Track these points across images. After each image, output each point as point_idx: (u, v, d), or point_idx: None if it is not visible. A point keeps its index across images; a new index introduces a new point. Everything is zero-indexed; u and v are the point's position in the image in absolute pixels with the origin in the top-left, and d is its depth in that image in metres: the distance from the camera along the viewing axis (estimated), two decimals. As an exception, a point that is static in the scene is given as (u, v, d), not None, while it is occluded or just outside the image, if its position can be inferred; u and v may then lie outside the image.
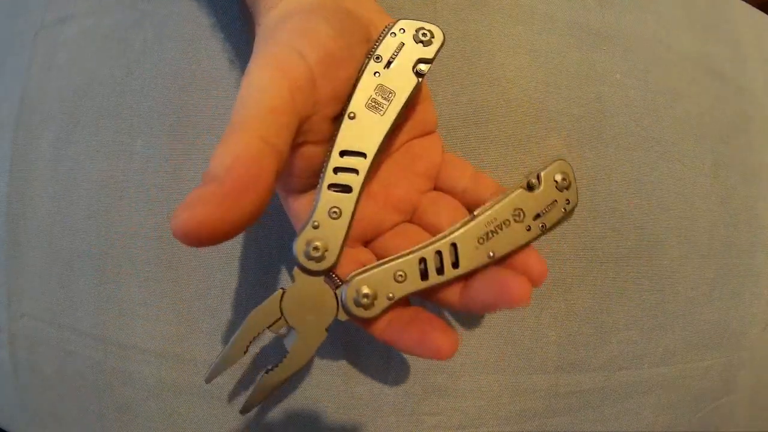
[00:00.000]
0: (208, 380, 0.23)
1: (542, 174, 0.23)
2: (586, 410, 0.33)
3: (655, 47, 0.35)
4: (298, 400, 0.31)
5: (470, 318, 0.31)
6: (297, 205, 0.24)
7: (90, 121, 0.33)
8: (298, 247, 0.22)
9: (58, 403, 0.34)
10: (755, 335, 0.37)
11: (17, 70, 0.36)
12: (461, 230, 0.23)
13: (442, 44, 0.23)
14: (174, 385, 0.31)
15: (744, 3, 0.41)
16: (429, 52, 0.23)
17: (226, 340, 0.31)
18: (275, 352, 0.31)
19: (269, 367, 0.23)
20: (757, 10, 0.42)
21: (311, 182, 0.23)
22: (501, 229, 0.23)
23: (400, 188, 0.25)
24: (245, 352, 0.23)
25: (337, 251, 0.22)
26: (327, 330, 0.23)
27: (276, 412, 0.31)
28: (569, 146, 0.32)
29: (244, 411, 0.23)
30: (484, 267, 0.23)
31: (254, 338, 0.23)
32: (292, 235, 0.23)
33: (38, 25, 0.36)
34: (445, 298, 0.24)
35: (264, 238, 0.30)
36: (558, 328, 0.32)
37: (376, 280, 0.22)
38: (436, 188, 0.27)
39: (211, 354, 0.31)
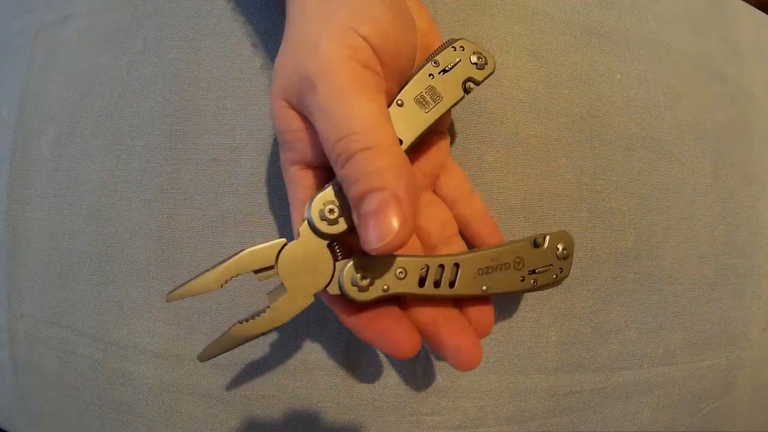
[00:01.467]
0: (170, 299, 0.22)
1: (548, 237, 0.25)
2: (586, 410, 0.33)
3: (655, 47, 0.35)
4: (298, 400, 0.31)
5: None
6: (300, 176, 0.23)
7: (90, 121, 0.33)
8: (315, 204, 0.22)
9: (58, 403, 0.34)
10: (755, 335, 0.37)
11: (17, 70, 0.36)
12: (467, 255, 0.24)
13: (492, 72, 0.25)
14: (174, 385, 0.31)
15: (744, 3, 0.41)
16: (479, 75, 0.25)
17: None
18: (276, 353, 0.31)
19: (243, 318, 0.22)
20: (757, 10, 0.42)
21: (325, 158, 0.23)
22: (500, 270, 0.25)
23: None
24: (222, 286, 0.22)
25: (350, 221, 0.22)
26: (314, 296, 0.23)
27: (276, 412, 0.31)
28: (569, 146, 0.32)
29: (203, 358, 0.23)
30: (475, 298, 0.25)
31: (235, 275, 0.22)
32: (292, 237, 0.23)
33: (38, 25, 0.36)
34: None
35: (262, 237, 0.30)
36: (558, 328, 0.32)
37: (379, 269, 0.23)
38: (434, 188, 0.27)
39: (211, 354, 0.31)
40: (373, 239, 0.20)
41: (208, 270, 0.22)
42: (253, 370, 0.31)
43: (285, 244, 0.22)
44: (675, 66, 0.35)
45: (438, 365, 0.31)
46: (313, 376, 0.31)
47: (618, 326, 0.33)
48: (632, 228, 0.33)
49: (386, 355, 0.31)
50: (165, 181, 0.31)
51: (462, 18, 0.31)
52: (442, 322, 0.24)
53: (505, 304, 0.31)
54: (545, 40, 0.32)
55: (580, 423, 0.33)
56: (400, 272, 0.23)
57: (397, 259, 0.23)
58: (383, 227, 0.20)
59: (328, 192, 0.22)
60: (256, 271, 0.22)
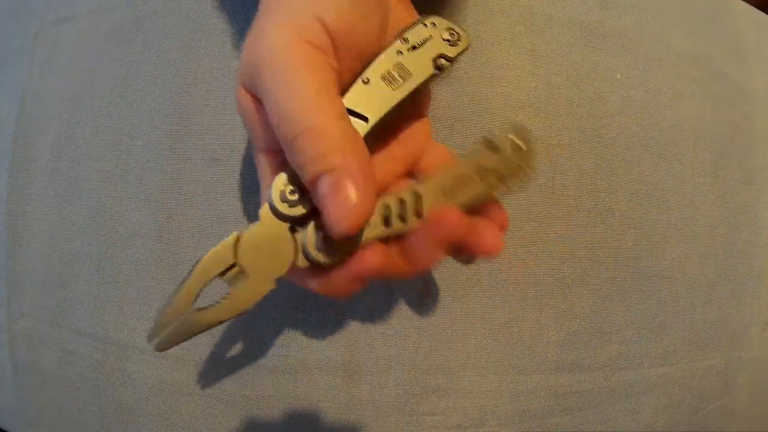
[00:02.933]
0: (150, 338, 0.21)
1: (500, 135, 0.24)
2: (586, 410, 0.33)
3: (655, 47, 0.35)
4: (298, 400, 0.31)
5: (470, 318, 0.31)
6: (265, 162, 0.23)
7: (90, 121, 0.33)
8: (275, 185, 0.21)
9: (58, 404, 0.34)
10: (755, 335, 0.37)
11: (17, 70, 0.36)
12: (424, 182, 0.23)
13: (466, 48, 0.25)
14: (174, 385, 0.31)
15: (744, 3, 0.41)
16: (452, 51, 0.24)
17: (225, 339, 0.31)
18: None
19: (202, 306, 0.21)
20: (757, 10, 0.42)
21: None
22: (464, 184, 0.23)
23: (376, 168, 0.24)
24: (193, 304, 0.21)
25: (310, 203, 0.21)
26: (276, 281, 0.21)
27: (276, 412, 0.31)
28: (570, 146, 0.32)
29: (160, 348, 0.22)
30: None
31: (204, 287, 0.21)
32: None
33: (38, 25, 0.36)
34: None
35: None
36: (558, 328, 0.32)
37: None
38: (414, 170, 0.26)
39: (211, 353, 0.31)
40: (335, 220, 0.19)
41: (173, 295, 0.21)
42: (253, 370, 0.31)
43: (240, 236, 0.22)
44: (675, 66, 0.35)
45: (438, 365, 0.31)
46: (313, 376, 0.31)
47: (618, 326, 0.33)
48: (632, 228, 0.33)
49: (385, 355, 0.31)
50: (165, 181, 0.31)
51: (462, 18, 0.31)
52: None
53: (506, 303, 0.31)
54: (545, 40, 0.32)
55: (580, 423, 0.33)
56: None
57: None
58: (341, 207, 0.19)
59: (290, 173, 0.21)
60: (222, 273, 0.21)
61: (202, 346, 0.31)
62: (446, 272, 0.31)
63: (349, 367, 0.31)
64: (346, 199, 0.19)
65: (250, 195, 0.30)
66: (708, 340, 0.35)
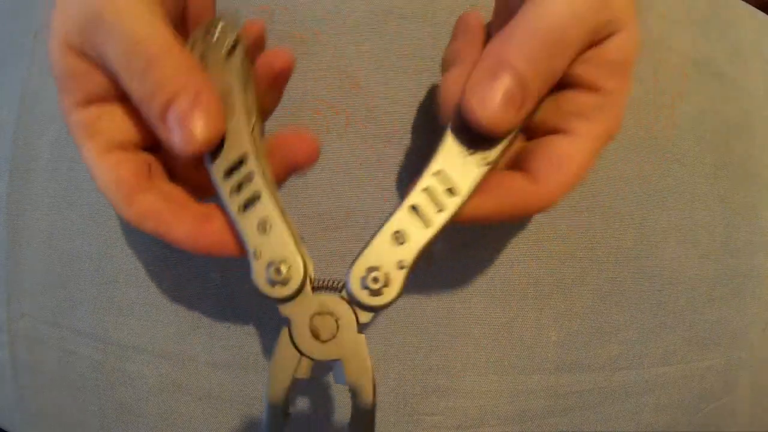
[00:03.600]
0: None
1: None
2: (586, 410, 0.33)
3: (655, 47, 0.35)
4: (298, 400, 0.31)
5: (470, 318, 0.31)
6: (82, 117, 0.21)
7: (90, 121, 0.33)
8: (259, 279, 0.19)
9: (58, 403, 0.34)
10: (755, 335, 0.37)
11: (17, 70, 0.36)
12: (440, 153, 0.19)
13: None
14: (174, 385, 0.31)
15: (744, 3, 0.41)
16: None
17: (226, 339, 0.31)
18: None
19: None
20: (757, 10, 0.42)
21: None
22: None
23: None
24: (287, 416, 0.19)
25: (298, 262, 0.19)
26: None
27: (276, 412, 0.31)
28: (569, 146, 0.32)
29: None
30: (487, 177, 0.19)
31: (288, 394, 0.19)
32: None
33: (38, 25, 0.36)
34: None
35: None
36: (558, 328, 0.32)
37: (377, 255, 0.18)
38: None
39: (211, 354, 0.31)
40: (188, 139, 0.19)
41: (264, 417, 0.19)
42: (253, 370, 0.31)
43: (289, 328, 0.19)
44: (675, 66, 0.35)
45: (438, 365, 0.31)
46: (313, 376, 0.31)
47: (618, 326, 0.33)
48: (632, 228, 0.33)
49: (386, 355, 0.31)
50: (165, 181, 0.31)
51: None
52: None
53: (506, 303, 0.31)
54: (545, 40, 0.32)
55: (580, 423, 0.33)
56: (398, 235, 0.19)
57: (384, 227, 0.19)
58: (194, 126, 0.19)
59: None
60: (295, 374, 0.19)
61: (202, 346, 0.31)
62: (446, 272, 0.31)
63: (349, 367, 0.31)
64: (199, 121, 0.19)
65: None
66: (708, 340, 0.35)
